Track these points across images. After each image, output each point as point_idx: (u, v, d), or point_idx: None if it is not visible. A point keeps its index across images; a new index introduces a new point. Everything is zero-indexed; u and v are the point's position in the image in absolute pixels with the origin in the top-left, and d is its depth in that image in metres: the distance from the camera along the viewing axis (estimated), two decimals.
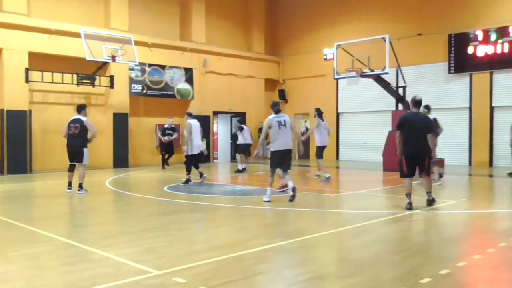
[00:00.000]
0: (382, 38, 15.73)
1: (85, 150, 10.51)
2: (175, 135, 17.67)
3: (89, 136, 10.71)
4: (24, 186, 12.92)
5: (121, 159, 18.16)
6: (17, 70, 15.87)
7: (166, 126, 17.98)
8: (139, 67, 18.87)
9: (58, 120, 17.15)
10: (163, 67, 19.92)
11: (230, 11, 23.30)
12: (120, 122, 18.29)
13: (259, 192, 10.73)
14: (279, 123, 9.17)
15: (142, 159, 19.35)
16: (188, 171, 12.39)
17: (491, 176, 14.70)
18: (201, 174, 12.36)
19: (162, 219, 7.77)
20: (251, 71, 23.36)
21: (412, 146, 8.35)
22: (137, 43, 17.92)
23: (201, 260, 5.04)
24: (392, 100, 17.59)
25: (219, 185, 12.99)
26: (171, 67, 20.19)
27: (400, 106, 16.82)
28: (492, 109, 17.54)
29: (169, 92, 20.11)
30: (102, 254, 5.31)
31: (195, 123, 12.35)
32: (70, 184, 10.72)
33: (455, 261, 5.01)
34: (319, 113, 13.70)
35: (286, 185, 9.81)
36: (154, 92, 19.69)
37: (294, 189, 8.99)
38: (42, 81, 16.29)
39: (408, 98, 16.46)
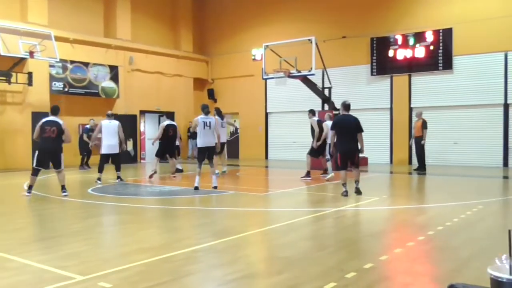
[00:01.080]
0: (309, 39, 16.12)
1: (62, 155, 10.14)
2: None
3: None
4: None
5: None
6: None
7: (88, 126, 17.29)
8: (60, 64, 17.99)
9: None
10: (86, 64, 19.14)
11: (157, 9, 22.87)
12: (39, 121, 17.26)
13: (188, 192, 10.63)
14: (205, 123, 10.68)
15: (65, 160, 18.39)
16: (100, 170, 12.62)
17: (410, 173, 15.52)
18: (118, 177, 12.83)
19: (86, 222, 7.45)
20: (179, 70, 23.07)
21: (345, 143, 9.72)
22: (58, 38, 17.08)
23: (128, 263, 4.89)
24: (319, 101, 18.08)
25: (146, 186, 12.70)
26: (95, 64, 19.45)
27: (326, 106, 17.31)
28: (411, 109, 18.53)
29: (93, 91, 19.36)
30: (21, 261, 5.00)
31: (106, 123, 12.69)
32: (31, 187, 10.04)
33: (378, 255, 5.22)
34: (218, 112, 14.19)
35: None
36: (77, 90, 18.86)
37: (215, 187, 10.78)
38: None
39: (333, 99, 17.10)
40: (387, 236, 6.57)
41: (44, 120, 10.22)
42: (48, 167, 10.31)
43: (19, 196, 10.25)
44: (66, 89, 18.45)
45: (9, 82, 16.28)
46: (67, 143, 10.38)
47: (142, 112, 21.68)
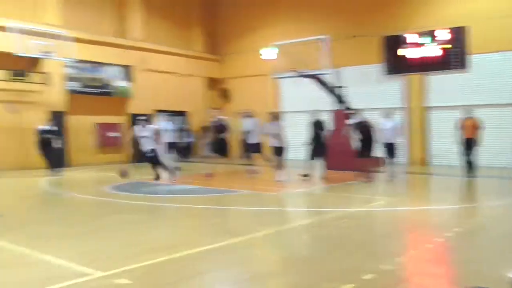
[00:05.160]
0: (320, 39, 16.06)
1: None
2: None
3: None
4: None
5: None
6: None
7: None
8: (75, 64, 18.15)
9: None
10: (100, 64, 19.29)
11: (169, 9, 22.91)
12: (56, 120, 17.40)
13: (203, 191, 10.68)
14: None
15: (82, 158, 18.57)
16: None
17: (425, 173, 15.35)
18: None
19: (103, 220, 7.52)
20: (192, 70, 23.15)
21: None
22: (73, 39, 17.19)
23: (145, 261, 4.95)
24: (332, 100, 17.93)
25: (163, 184, 12.75)
26: (109, 64, 19.59)
27: (340, 106, 17.23)
28: (426, 109, 18.38)
29: (107, 90, 19.51)
30: (40, 257, 5.08)
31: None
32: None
33: (395, 257, 5.19)
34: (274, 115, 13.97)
35: None
36: (92, 90, 19.04)
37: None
38: None
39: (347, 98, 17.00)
40: (402, 238, 6.53)
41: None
42: None
43: (36, 195, 10.34)
44: (81, 89, 18.63)
45: (25, 81, 16.35)
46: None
47: (158, 112, 21.72)
